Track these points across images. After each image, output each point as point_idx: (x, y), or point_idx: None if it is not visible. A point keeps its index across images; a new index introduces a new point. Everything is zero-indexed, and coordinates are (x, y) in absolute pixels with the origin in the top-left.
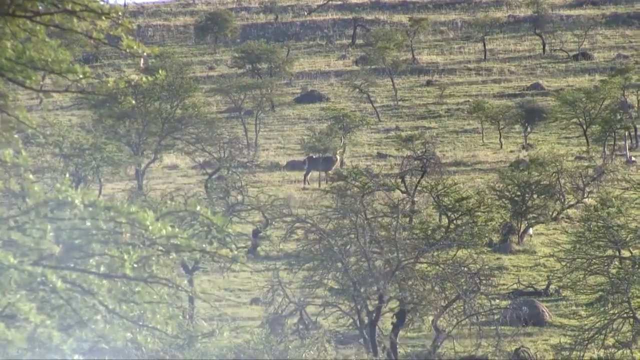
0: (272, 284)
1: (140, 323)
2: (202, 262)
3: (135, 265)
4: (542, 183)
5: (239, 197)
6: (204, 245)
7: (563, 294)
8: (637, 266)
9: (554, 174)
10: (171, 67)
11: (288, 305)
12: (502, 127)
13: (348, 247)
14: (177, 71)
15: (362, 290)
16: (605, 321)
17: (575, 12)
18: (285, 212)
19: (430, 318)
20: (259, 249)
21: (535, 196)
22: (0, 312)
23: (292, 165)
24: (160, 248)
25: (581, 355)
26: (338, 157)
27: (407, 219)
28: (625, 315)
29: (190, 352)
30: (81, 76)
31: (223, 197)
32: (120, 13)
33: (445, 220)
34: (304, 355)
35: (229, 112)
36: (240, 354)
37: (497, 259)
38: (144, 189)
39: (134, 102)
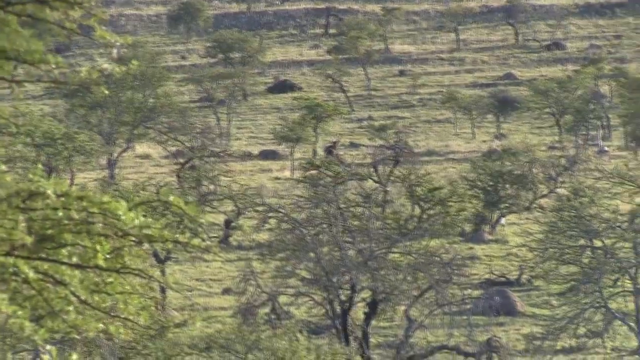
0: (244, 273)
1: (113, 314)
2: (174, 252)
3: (107, 256)
4: (514, 173)
5: (211, 187)
6: (176, 236)
7: (535, 284)
8: (609, 256)
9: (526, 164)
10: (144, 56)
11: (260, 295)
12: (474, 117)
13: (321, 236)
14: (150, 61)
15: (334, 280)
16: (577, 311)
17: (548, 1)
18: (258, 201)
19: (403, 308)
20: (231, 238)
21: (507, 186)
22: None
23: (265, 155)
24: (133, 238)
25: (553, 344)
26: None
27: (380, 209)
28: (597, 304)
29: (162, 342)
30: (54, 66)
31: (195, 186)
32: (92, 3)
33: (417, 210)
34: (275, 345)
35: (201, 101)
36: (212, 343)
37: (470, 248)
38: (116, 178)
39: (106, 92)
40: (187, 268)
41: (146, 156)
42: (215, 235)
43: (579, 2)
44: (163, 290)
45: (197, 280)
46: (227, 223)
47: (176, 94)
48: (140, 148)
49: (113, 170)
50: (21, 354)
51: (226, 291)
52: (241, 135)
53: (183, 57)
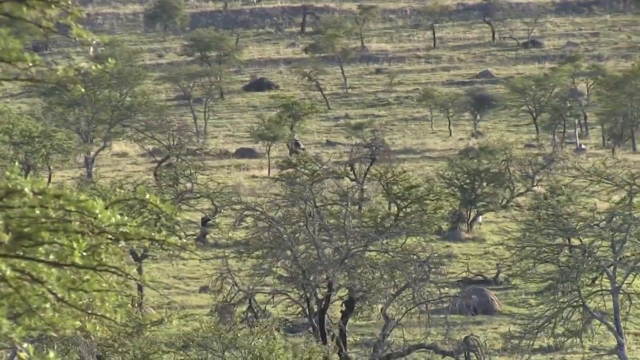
0: (221, 272)
1: (89, 311)
2: (151, 250)
3: (84, 254)
4: (491, 171)
5: (188, 185)
6: (153, 234)
7: (513, 283)
8: (587, 254)
9: (503, 162)
10: (121, 55)
11: (237, 293)
12: (451, 114)
13: (297, 235)
14: (127, 59)
15: (311, 278)
16: (555, 310)
17: None
18: (235, 199)
19: (380, 306)
20: (208, 236)
21: (484, 184)
22: None
23: (242, 153)
24: (110, 236)
25: (531, 343)
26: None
27: (357, 207)
28: (575, 303)
29: (139, 340)
30: (31, 64)
31: (172, 184)
32: (69, 1)
33: (394, 208)
34: (253, 343)
35: (178, 99)
36: (189, 342)
37: (447, 247)
38: (94, 176)
39: (83, 90)
40: (164, 266)
41: (123, 154)
42: (192, 233)
43: (555, 0)
44: (140, 288)
45: (174, 278)
46: (204, 221)
47: (153, 93)
48: (118, 146)
49: (90, 169)
50: None
51: (203, 289)
52: (218, 133)
53: (160, 56)
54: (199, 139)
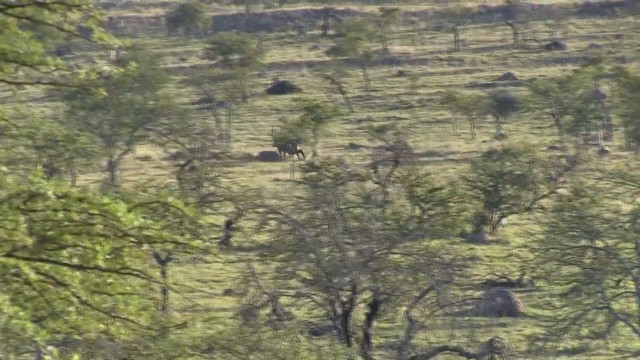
0: (245, 275)
1: (113, 314)
2: (175, 253)
3: (107, 257)
4: (515, 173)
5: (211, 188)
6: (175, 237)
7: (537, 285)
8: (611, 256)
9: (527, 164)
10: (143, 58)
11: (261, 296)
12: (474, 117)
13: (321, 237)
14: (149, 63)
15: (335, 281)
16: (580, 312)
17: (547, 1)
18: (258, 203)
19: (404, 309)
20: (231, 240)
21: (508, 186)
22: None
23: (265, 156)
24: (133, 239)
25: (555, 345)
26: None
27: (380, 210)
28: (599, 305)
29: (164, 343)
30: (53, 68)
31: (195, 188)
32: (90, 5)
33: (418, 211)
34: (277, 346)
35: (200, 103)
36: (214, 344)
37: (470, 249)
38: (117, 180)
39: (104, 93)
40: (188, 269)
41: (146, 158)
42: (215, 236)
43: (578, 2)
44: (164, 292)
45: (198, 281)
46: (228, 224)
47: (176, 96)
48: (141, 150)
49: (114, 172)
50: (24, 355)
51: (227, 292)
52: (241, 136)
53: (182, 59)
54: (221, 142)
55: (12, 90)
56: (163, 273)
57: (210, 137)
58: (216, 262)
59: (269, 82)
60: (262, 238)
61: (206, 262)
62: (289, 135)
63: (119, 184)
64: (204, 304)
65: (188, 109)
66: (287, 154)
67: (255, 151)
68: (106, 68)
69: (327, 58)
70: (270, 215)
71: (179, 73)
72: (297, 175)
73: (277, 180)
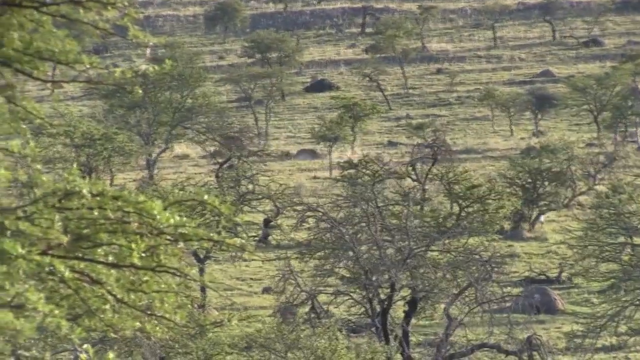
0: (283, 272)
1: (149, 312)
2: (213, 252)
3: (143, 255)
4: (553, 170)
5: (250, 186)
6: (211, 234)
7: (575, 282)
8: None
9: (565, 161)
10: (181, 56)
11: (299, 294)
12: (512, 114)
13: (359, 235)
14: (187, 61)
15: (373, 278)
16: (618, 308)
17: None
18: (296, 200)
19: (442, 306)
20: (270, 237)
21: (546, 183)
22: (8, 301)
23: (303, 154)
24: (168, 237)
25: (594, 342)
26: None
27: (418, 207)
28: (637, 302)
29: (202, 342)
30: (88, 66)
31: (234, 186)
32: (126, 3)
33: (456, 208)
34: (315, 344)
35: (239, 101)
36: (252, 342)
37: (509, 246)
38: (155, 178)
39: (141, 92)
40: (227, 267)
41: (185, 156)
42: (254, 234)
43: None
44: (203, 290)
45: (237, 279)
46: (266, 222)
47: (214, 94)
48: (179, 148)
49: (152, 171)
50: (62, 354)
51: (266, 290)
52: (279, 134)
53: (221, 57)
54: (260, 140)
55: (50, 89)
56: (201, 271)
57: (248, 135)
58: (255, 260)
59: (308, 80)
60: (301, 236)
61: (245, 260)
62: (327, 133)
63: (157, 182)
64: (243, 302)
65: (226, 107)
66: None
67: (293, 149)
68: (143, 66)
69: (365, 56)
70: (309, 213)
71: (217, 71)
72: (336, 173)
73: (316, 178)
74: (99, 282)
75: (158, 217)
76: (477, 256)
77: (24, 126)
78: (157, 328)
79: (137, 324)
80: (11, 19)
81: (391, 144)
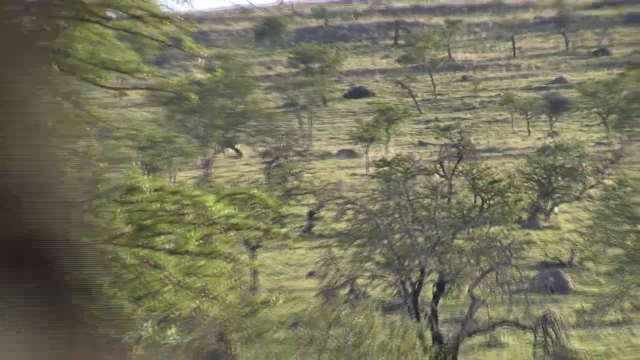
0: (325, 259)
1: (204, 293)
2: (263, 240)
3: (198, 243)
4: (566, 166)
5: (295, 183)
6: (259, 224)
7: (585, 265)
8: None
9: (576, 158)
10: (233, 67)
11: (340, 278)
12: (529, 117)
13: (393, 225)
14: (239, 71)
15: (405, 263)
16: (623, 288)
17: (595, 12)
18: (337, 195)
19: (467, 287)
20: (313, 228)
21: (560, 178)
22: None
23: (343, 154)
24: (221, 227)
25: (601, 318)
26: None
27: (446, 200)
28: None
29: (253, 320)
30: (148, 75)
31: (281, 182)
32: (181, 18)
33: (479, 201)
34: (354, 321)
35: (285, 107)
36: (298, 320)
37: (526, 234)
38: (211, 176)
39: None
40: (276, 255)
41: (237, 156)
42: (300, 225)
43: (622, 13)
44: (254, 274)
45: (285, 265)
46: (310, 214)
47: (263, 101)
48: (232, 149)
49: (208, 169)
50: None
51: (310, 275)
52: (321, 136)
53: (268, 68)
54: (304, 141)
55: (117, 97)
56: (253, 258)
57: (294, 137)
58: (300, 248)
59: (346, 87)
60: (341, 226)
61: (292, 248)
62: (364, 135)
63: (213, 180)
64: (289, 285)
65: (274, 112)
66: None
67: (334, 149)
68: (198, 76)
69: (398, 65)
70: (348, 206)
71: (266, 80)
72: (372, 171)
73: (354, 174)
74: (160, 267)
75: (211, 209)
76: (497, 243)
77: (88, 129)
78: (212, 307)
79: (194, 303)
80: (77, 32)
81: (421, 144)
